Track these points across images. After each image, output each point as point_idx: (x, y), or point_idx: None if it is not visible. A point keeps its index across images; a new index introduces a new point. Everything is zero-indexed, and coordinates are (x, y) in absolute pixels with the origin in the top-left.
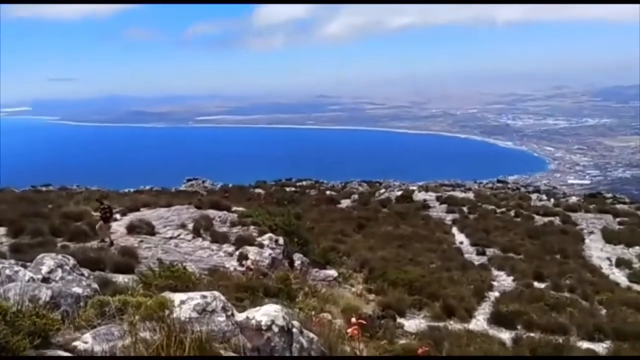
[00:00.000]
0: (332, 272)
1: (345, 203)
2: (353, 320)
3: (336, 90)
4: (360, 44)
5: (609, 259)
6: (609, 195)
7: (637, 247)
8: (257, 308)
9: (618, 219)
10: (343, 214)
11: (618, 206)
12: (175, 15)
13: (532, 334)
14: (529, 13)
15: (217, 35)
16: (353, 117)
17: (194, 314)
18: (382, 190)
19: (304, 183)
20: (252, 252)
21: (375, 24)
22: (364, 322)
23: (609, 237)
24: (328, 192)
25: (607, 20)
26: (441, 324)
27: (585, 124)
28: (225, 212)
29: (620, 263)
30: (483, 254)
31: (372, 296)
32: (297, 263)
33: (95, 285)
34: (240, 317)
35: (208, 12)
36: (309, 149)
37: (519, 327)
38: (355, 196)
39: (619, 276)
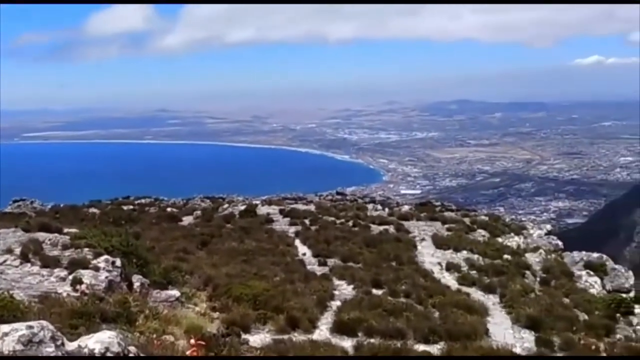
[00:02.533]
0: (175, 292)
1: (187, 220)
2: (192, 341)
3: (176, 104)
4: (198, 58)
5: (439, 263)
6: (438, 203)
7: (464, 252)
8: (90, 335)
9: (446, 226)
10: (185, 231)
11: (446, 213)
12: (2, 23)
13: (372, 340)
14: (359, 31)
15: (48, 46)
16: (194, 132)
17: (19, 347)
18: (226, 206)
19: (143, 201)
20: (86, 275)
21: (213, 39)
22: (203, 342)
23: (439, 243)
24: (169, 209)
25: (430, 40)
26: (285, 337)
27: (415, 137)
28: (56, 234)
29: (450, 267)
30: (325, 264)
31: (216, 314)
32: (136, 285)
33: None
34: (71, 346)
35: (38, 21)
36: (148, 164)
37: (360, 334)
38: (198, 212)
39: (449, 279)
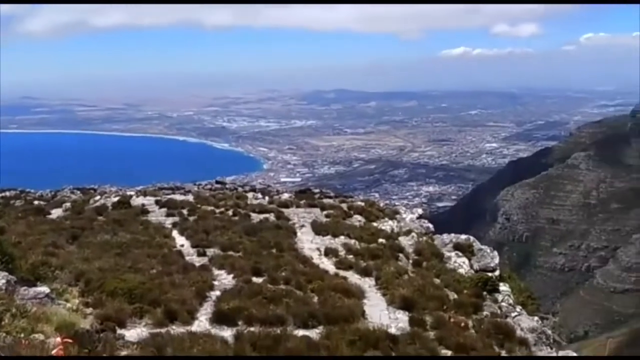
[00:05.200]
0: (44, 289)
1: (56, 213)
2: (58, 340)
3: (42, 91)
4: (65, 44)
5: (318, 249)
6: (317, 190)
7: (342, 237)
8: None
9: (325, 212)
10: (54, 224)
11: (325, 200)
12: None
13: (252, 328)
14: (236, 19)
15: None
16: (63, 120)
17: None
18: (97, 197)
19: (8, 194)
20: None
21: (79, 24)
22: (71, 339)
23: (318, 229)
24: (36, 202)
25: (307, 29)
26: (163, 330)
27: (294, 125)
28: None
29: (329, 252)
30: (204, 254)
31: (89, 310)
32: (1, 283)
33: None
34: None
35: None
36: (13, 155)
37: (240, 323)
38: (68, 205)
39: (328, 264)
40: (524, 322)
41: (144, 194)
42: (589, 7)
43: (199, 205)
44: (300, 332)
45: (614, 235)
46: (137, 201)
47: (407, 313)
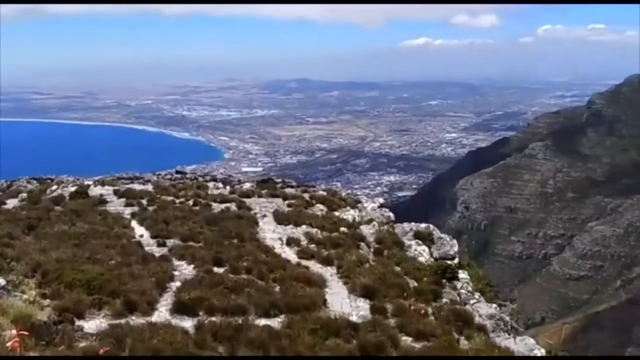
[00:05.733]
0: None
1: (11, 203)
2: (14, 332)
3: None
4: (18, 30)
5: (280, 239)
6: (279, 180)
7: (304, 226)
8: None
9: (287, 202)
10: (9, 215)
11: (287, 190)
12: None
13: (213, 319)
14: (197, 6)
15: None
16: (18, 108)
17: None
18: (54, 187)
19: None
20: None
21: (34, 10)
22: (27, 332)
23: (280, 218)
24: None
25: (268, 18)
26: (123, 321)
27: (256, 114)
28: None
29: (291, 242)
30: (164, 245)
31: (47, 301)
32: None
33: None
34: None
35: None
36: None
37: (201, 313)
38: (24, 195)
39: (290, 254)
40: (483, 309)
41: (102, 183)
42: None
43: (158, 195)
44: (262, 322)
45: (570, 224)
46: (95, 191)
47: (368, 301)
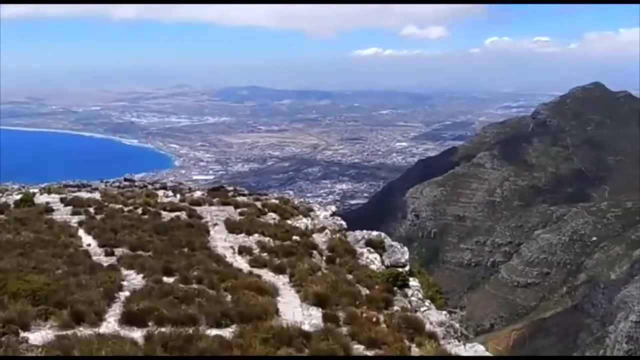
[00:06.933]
0: None
1: None
2: None
3: None
4: None
5: (232, 247)
6: (231, 188)
7: (256, 235)
8: None
9: (239, 210)
10: None
11: (239, 198)
12: None
13: (163, 329)
14: (144, 12)
15: None
16: None
17: None
18: None
19: None
20: None
21: None
22: None
23: (232, 227)
24: None
25: (216, 25)
26: (70, 332)
27: (207, 121)
28: None
29: (242, 250)
30: (112, 254)
31: None
32: None
33: None
34: None
35: None
36: None
37: (150, 323)
38: None
39: (242, 263)
40: (433, 316)
41: (48, 191)
42: (493, 11)
43: (106, 204)
44: (213, 332)
45: (517, 232)
46: (41, 199)
47: (320, 309)
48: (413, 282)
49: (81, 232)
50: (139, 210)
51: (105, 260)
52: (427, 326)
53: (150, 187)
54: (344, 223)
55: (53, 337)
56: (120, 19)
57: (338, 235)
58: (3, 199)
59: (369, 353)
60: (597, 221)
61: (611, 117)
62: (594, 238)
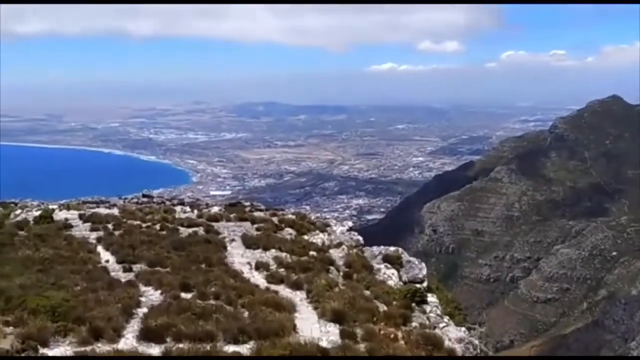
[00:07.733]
0: None
1: None
2: None
3: None
4: None
5: (249, 263)
6: (247, 203)
7: (273, 250)
8: None
9: (255, 225)
10: None
11: (255, 213)
12: None
13: (181, 345)
14: (163, 28)
15: None
16: None
17: None
18: (18, 211)
19: None
20: None
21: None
22: None
23: (249, 242)
24: None
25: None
26: (88, 348)
27: (224, 137)
28: None
29: (259, 266)
30: (130, 270)
31: (10, 329)
32: None
33: None
34: None
35: None
36: None
37: (168, 339)
38: None
39: (259, 278)
40: (452, 333)
41: (67, 207)
42: (509, 25)
43: (124, 220)
44: (231, 348)
45: (536, 247)
46: (60, 215)
47: (338, 326)
48: (431, 298)
49: (100, 248)
50: (157, 226)
51: (124, 276)
52: (446, 343)
53: (168, 203)
54: (360, 238)
55: (72, 353)
56: (139, 35)
57: (355, 250)
58: (23, 215)
59: None
60: (617, 236)
61: (629, 130)
62: (614, 253)
